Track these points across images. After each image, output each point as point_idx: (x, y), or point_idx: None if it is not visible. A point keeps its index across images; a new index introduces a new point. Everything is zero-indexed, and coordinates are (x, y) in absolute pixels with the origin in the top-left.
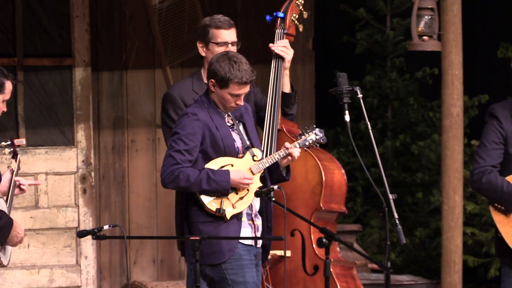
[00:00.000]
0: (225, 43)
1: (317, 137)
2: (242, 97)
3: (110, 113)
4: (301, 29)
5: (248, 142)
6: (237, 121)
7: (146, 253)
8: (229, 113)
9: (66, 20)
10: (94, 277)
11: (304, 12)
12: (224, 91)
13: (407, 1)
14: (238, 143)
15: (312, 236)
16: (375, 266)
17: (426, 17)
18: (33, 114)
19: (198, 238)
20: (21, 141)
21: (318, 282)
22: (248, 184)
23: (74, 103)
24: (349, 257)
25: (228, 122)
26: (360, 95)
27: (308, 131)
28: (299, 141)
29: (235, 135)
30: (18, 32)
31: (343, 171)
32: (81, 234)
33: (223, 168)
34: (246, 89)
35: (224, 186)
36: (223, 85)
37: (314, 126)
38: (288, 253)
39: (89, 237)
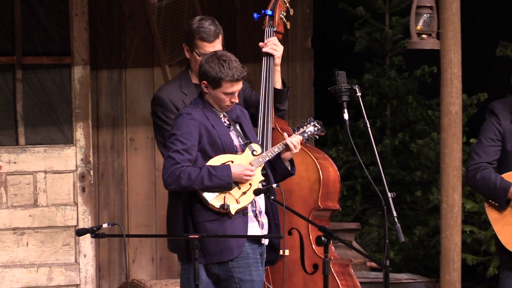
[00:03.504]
0: None
1: (316, 128)
2: (236, 94)
3: (109, 111)
4: (288, 26)
5: (246, 140)
6: (233, 122)
7: (145, 251)
8: (225, 113)
9: (65, 19)
10: (93, 275)
11: (291, 9)
12: (217, 91)
13: (406, 0)
14: (236, 142)
15: (310, 235)
16: (374, 264)
17: (425, 15)
18: (32, 112)
19: (197, 236)
20: None
21: (318, 281)
22: (250, 176)
23: (73, 102)
24: (347, 255)
25: (225, 122)
26: (359, 94)
27: (306, 123)
28: (297, 134)
29: (232, 134)
30: (17, 31)
31: (336, 168)
32: (80, 232)
33: (224, 164)
34: (239, 85)
35: (226, 180)
36: (215, 85)
37: (311, 118)
38: (286, 252)
39: (88, 235)
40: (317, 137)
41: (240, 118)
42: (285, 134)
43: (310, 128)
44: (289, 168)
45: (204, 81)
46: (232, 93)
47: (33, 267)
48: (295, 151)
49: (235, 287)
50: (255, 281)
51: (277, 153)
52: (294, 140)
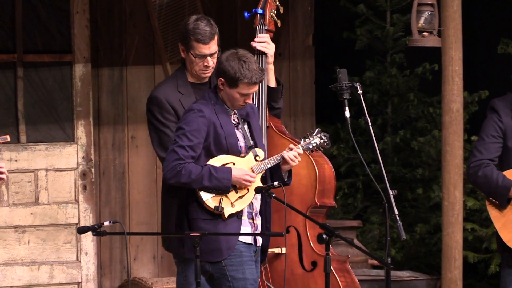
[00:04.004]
0: (204, 56)
1: (322, 141)
2: (251, 96)
3: (110, 109)
4: (279, 24)
5: (251, 142)
6: (242, 120)
7: (146, 249)
8: (235, 111)
9: (66, 16)
10: (94, 273)
11: (280, 7)
12: (233, 90)
13: None
14: (241, 142)
15: (308, 232)
16: (375, 262)
17: (426, 13)
18: (33, 110)
19: (198, 234)
20: (5, 138)
21: (318, 278)
22: (250, 182)
23: (74, 99)
24: (349, 253)
25: (234, 120)
26: (360, 91)
27: (312, 134)
28: (302, 144)
29: (239, 134)
30: (18, 28)
31: (331, 165)
32: (81, 230)
33: (225, 166)
34: (255, 88)
35: (225, 184)
36: (232, 84)
37: (319, 129)
38: (283, 250)
39: (89, 233)
40: (322, 149)
41: (249, 115)
42: (291, 145)
43: (315, 140)
44: (286, 179)
45: (222, 78)
46: (247, 95)
47: (34, 265)
48: (293, 164)
49: (228, 285)
50: (248, 279)
51: (278, 162)
52: (292, 154)
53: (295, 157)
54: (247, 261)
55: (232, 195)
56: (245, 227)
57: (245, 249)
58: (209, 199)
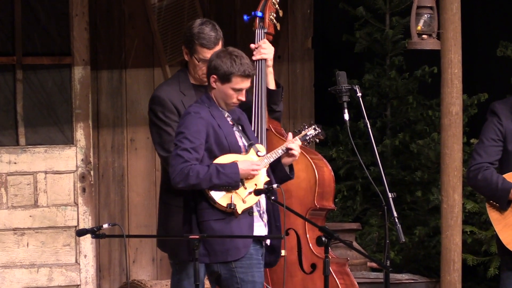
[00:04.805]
0: (207, 61)
1: (316, 132)
2: (244, 92)
3: (109, 111)
4: (278, 27)
5: (249, 141)
6: (235, 122)
7: (146, 251)
8: (228, 113)
9: (65, 19)
10: (93, 276)
11: (280, 11)
12: (226, 86)
13: (406, 0)
14: (240, 142)
15: (307, 235)
16: (374, 264)
17: (425, 15)
18: (32, 113)
19: (197, 236)
20: None
21: (317, 281)
22: (257, 171)
23: (73, 102)
24: (348, 256)
25: (229, 122)
26: (359, 94)
27: (306, 126)
28: (299, 136)
29: (237, 134)
30: (17, 31)
31: (330, 168)
32: (80, 232)
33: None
34: (248, 83)
35: (234, 178)
36: (225, 79)
37: (312, 122)
38: (283, 253)
39: (88, 236)
40: (317, 140)
41: (241, 119)
42: (290, 134)
43: (310, 131)
44: (288, 172)
45: (214, 75)
46: (240, 90)
47: (33, 268)
48: (295, 154)
49: (237, 287)
50: (256, 282)
51: (280, 155)
52: (294, 145)
53: (298, 146)
54: (256, 264)
55: (242, 191)
56: (258, 222)
57: (255, 252)
58: (220, 198)
